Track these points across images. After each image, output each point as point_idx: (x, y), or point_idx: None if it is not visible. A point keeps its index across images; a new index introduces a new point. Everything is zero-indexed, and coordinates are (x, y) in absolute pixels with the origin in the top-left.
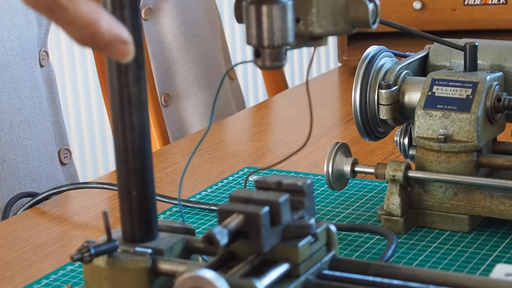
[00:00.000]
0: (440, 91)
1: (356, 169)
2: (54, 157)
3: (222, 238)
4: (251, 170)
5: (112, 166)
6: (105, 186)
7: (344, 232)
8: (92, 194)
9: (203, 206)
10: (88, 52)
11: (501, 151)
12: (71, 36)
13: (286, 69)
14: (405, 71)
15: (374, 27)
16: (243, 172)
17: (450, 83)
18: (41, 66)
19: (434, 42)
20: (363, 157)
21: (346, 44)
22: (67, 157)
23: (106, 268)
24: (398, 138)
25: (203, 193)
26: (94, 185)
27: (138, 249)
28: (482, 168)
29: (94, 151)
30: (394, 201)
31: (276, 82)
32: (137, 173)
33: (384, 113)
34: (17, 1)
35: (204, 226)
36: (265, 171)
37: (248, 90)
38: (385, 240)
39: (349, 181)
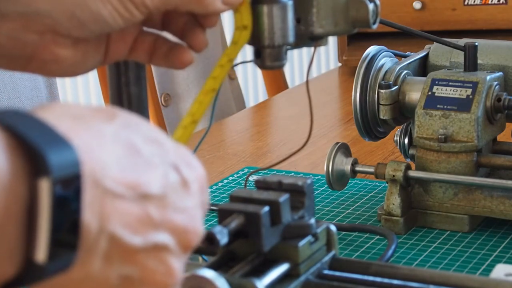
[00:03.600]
0: (440, 91)
1: (356, 169)
2: None
3: (222, 238)
4: (251, 170)
5: None
6: None
7: (344, 232)
8: None
9: None
10: None
11: (501, 151)
12: None
13: (286, 69)
14: (405, 71)
15: (374, 27)
16: (243, 172)
17: (450, 83)
18: None
19: (434, 42)
20: (363, 157)
21: (346, 44)
22: None
23: None
24: (398, 138)
25: None
26: None
27: None
28: (482, 168)
29: None
30: (394, 201)
31: (276, 82)
32: None
33: (384, 113)
34: None
35: (204, 226)
36: (265, 171)
37: (248, 90)
38: (385, 240)
39: (349, 181)
